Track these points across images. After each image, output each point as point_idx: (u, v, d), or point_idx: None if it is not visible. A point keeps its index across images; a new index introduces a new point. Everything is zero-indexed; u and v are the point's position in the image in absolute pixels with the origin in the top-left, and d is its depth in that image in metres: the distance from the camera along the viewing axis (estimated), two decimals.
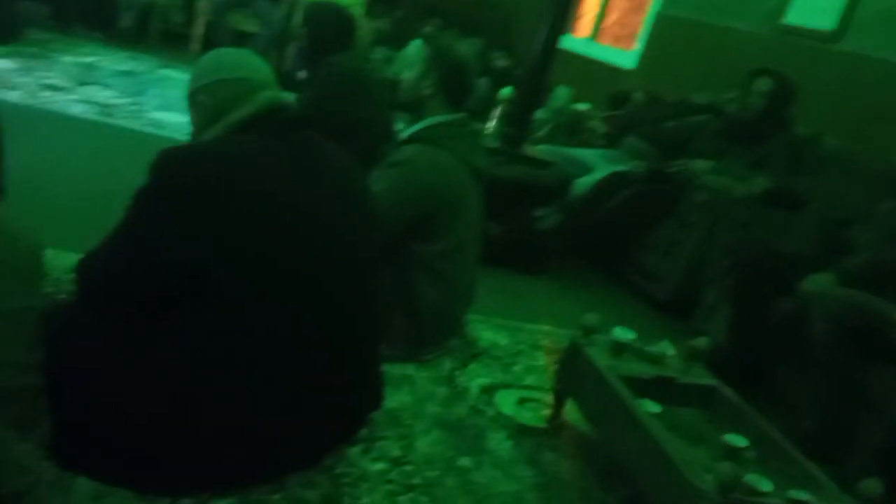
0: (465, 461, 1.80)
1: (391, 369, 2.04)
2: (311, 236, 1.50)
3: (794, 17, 3.92)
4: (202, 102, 1.59)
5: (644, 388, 1.84)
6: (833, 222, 2.71)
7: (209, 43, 5.44)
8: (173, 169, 1.41)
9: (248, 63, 1.61)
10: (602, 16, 5.97)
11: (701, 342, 2.01)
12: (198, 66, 1.64)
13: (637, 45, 5.16)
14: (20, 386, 1.28)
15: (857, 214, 2.62)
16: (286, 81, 5.22)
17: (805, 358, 2.27)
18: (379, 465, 1.68)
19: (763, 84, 3.25)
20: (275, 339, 1.45)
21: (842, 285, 2.34)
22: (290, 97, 1.61)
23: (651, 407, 1.76)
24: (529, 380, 2.31)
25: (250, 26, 5.67)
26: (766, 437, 1.77)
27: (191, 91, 1.62)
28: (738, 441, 1.70)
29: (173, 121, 3.89)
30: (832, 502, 1.54)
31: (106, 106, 3.87)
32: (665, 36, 4.89)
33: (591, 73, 5.47)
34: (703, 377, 1.99)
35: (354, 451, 1.70)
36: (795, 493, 1.50)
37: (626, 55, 5.31)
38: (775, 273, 2.53)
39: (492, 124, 3.48)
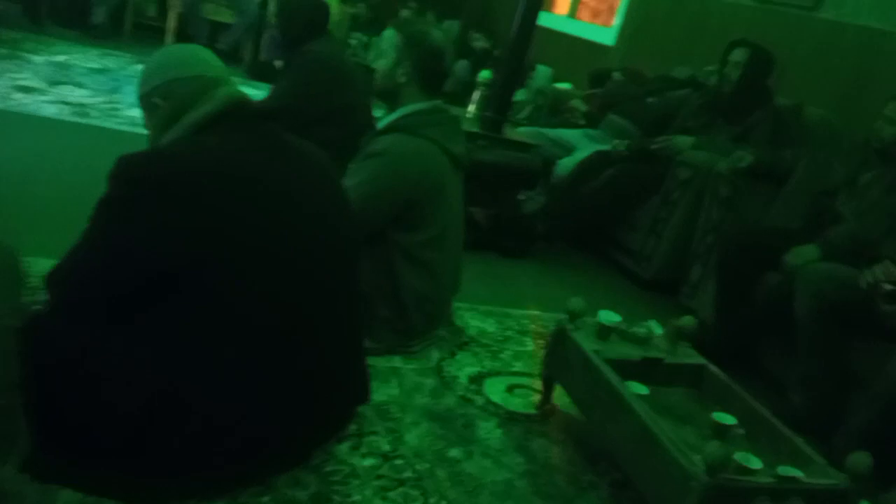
0: (455, 452, 1.79)
1: (378, 362, 2.03)
2: (287, 227, 1.47)
3: None
4: (155, 105, 1.53)
5: (631, 370, 1.84)
6: (817, 194, 2.70)
7: (184, 36, 5.37)
8: (132, 175, 1.37)
9: (201, 59, 1.55)
10: None
11: (687, 321, 2.01)
12: (149, 66, 1.57)
13: (616, 21, 5.11)
14: (2, 405, 1.26)
15: (841, 185, 2.61)
16: (262, 71, 5.20)
17: (791, 333, 2.26)
18: (369, 461, 1.67)
19: (738, 55, 3.23)
20: (256, 334, 1.42)
21: (826, 257, 2.34)
22: (255, 88, 1.57)
23: (639, 389, 1.76)
24: (518, 366, 2.30)
25: (225, 16, 5.59)
26: (755, 415, 1.78)
27: (142, 94, 1.56)
28: (727, 419, 1.71)
29: None
30: (821, 477, 1.54)
31: (80, 105, 3.81)
32: (644, 10, 4.84)
33: (570, 50, 5.43)
34: (690, 356, 1.99)
35: (343, 447, 1.69)
36: (784, 470, 1.51)
37: (605, 31, 5.26)
38: (760, 247, 2.53)
39: (472, 108, 3.44)
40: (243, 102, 1.52)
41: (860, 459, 1.51)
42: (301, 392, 1.51)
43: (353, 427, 1.76)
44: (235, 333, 1.40)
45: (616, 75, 4.30)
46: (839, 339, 2.18)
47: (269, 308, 1.44)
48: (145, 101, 1.56)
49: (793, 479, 1.50)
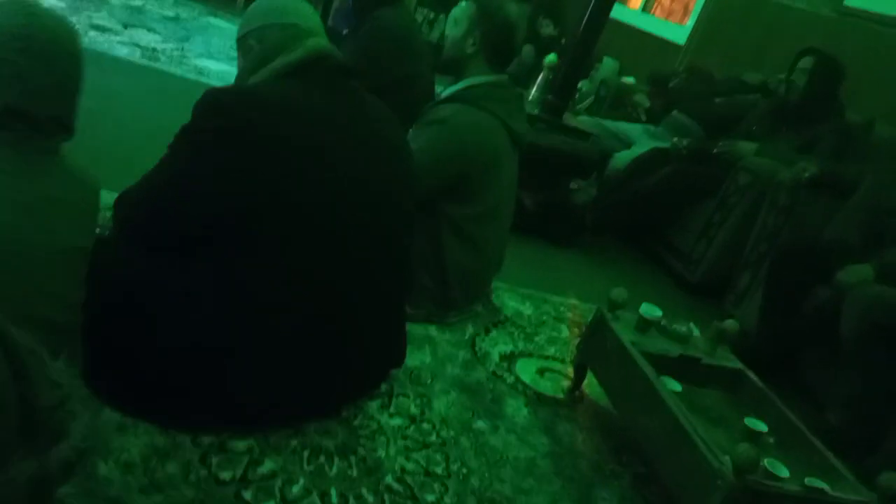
0: (481, 424, 1.81)
1: (414, 329, 2.04)
2: (349, 187, 1.50)
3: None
4: (250, 46, 1.59)
5: (667, 366, 1.83)
6: (879, 213, 2.61)
7: None
8: (217, 109, 1.41)
9: (299, 10, 1.60)
10: None
11: (730, 325, 1.98)
12: (249, 11, 1.64)
13: (689, 20, 5.01)
14: (66, 321, 1.32)
15: None
16: (330, 37, 5.22)
17: (835, 350, 2.22)
18: (396, 421, 1.70)
19: (806, 62, 3.15)
20: (305, 285, 1.46)
21: (879, 279, 2.27)
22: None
23: (673, 385, 1.75)
24: (551, 351, 2.30)
25: None
26: (788, 425, 1.75)
27: (240, 35, 1.63)
28: (759, 426, 1.69)
29: (216, 69, 3.90)
30: (849, 493, 1.51)
31: (152, 50, 3.90)
32: (719, 11, 4.73)
33: (640, 45, 5.34)
34: (728, 360, 1.97)
35: (373, 405, 1.72)
36: (812, 481, 1.48)
37: (677, 29, 5.16)
38: (814, 260, 2.47)
39: (534, 91, 3.42)
40: (330, 55, 1.55)
41: (892, 479, 1.48)
42: (339, 348, 1.55)
43: (384, 387, 1.78)
44: (284, 284, 1.43)
45: (677, 79, 4.22)
46: (884, 361, 2.13)
47: (319, 264, 1.47)
48: (241, 41, 1.62)
49: (819, 491, 1.48)
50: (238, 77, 1.62)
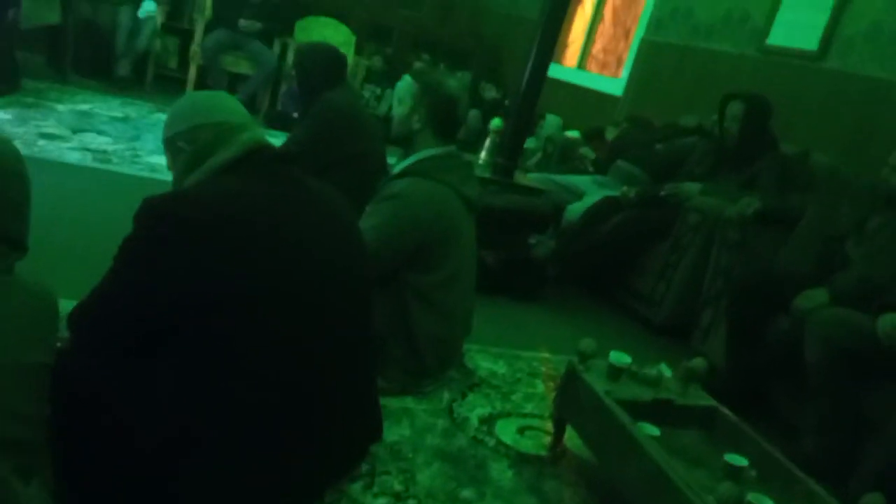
0: (467, 493, 1.79)
1: (390, 402, 2.04)
2: (304, 269, 1.51)
3: (778, 37, 3.99)
4: (180, 148, 1.58)
5: (643, 411, 1.85)
6: (826, 238, 2.72)
7: (203, 86, 5.53)
8: (157, 216, 1.41)
9: (225, 106, 1.61)
10: (588, 44, 6.06)
11: (697, 363, 2.02)
12: (174, 112, 1.63)
13: (623, 72, 5.23)
14: (33, 440, 1.29)
15: (850, 229, 2.64)
16: (279, 120, 5.33)
17: (802, 377, 2.27)
18: (381, 501, 1.68)
19: (735, 108, 3.32)
20: (271, 375, 1.45)
21: (835, 301, 2.35)
22: (270, 136, 1.62)
23: (650, 430, 1.76)
24: (529, 408, 2.31)
25: (244, 68, 5.76)
26: (767, 457, 1.77)
27: (167, 137, 1.61)
28: (739, 461, 1.70)
29: None
30: None
31: (102, 152, 3.92)
32: (651, 61, 4.96)
33: (580, 100, 5.55)
34: (701, 398, 2.00)
35: (356, 487, 1.70)
36: None
37: (612, 82, 5.38)
38: (770, 291, 2.55)
39: (483, 155, 3.52)
40: (264, 147, 1.57)
41: (874, 500, 1.50)
42: (315, 432, 1.53)
43: (365, 467, 1.77)
44: (251, 375, 1.42)
45: (611, 130, 4.38)
46: (850, 383, 2.18)
47: (283, 350, 1.46)
48: (170, 144, 1.61)
49: None
50: (175, 180, 1.61)
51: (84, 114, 4.60)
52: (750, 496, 1.51)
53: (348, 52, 6.07)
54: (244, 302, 1.42)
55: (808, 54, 3.77)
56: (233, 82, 5.77)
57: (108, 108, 4.89)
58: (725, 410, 1.95)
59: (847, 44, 3.58)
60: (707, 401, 1.99)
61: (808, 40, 3.77)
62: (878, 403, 2.17)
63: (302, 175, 1.62)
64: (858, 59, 3.52)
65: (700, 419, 1.95)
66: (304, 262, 1.52)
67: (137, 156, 4.02)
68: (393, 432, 1.94)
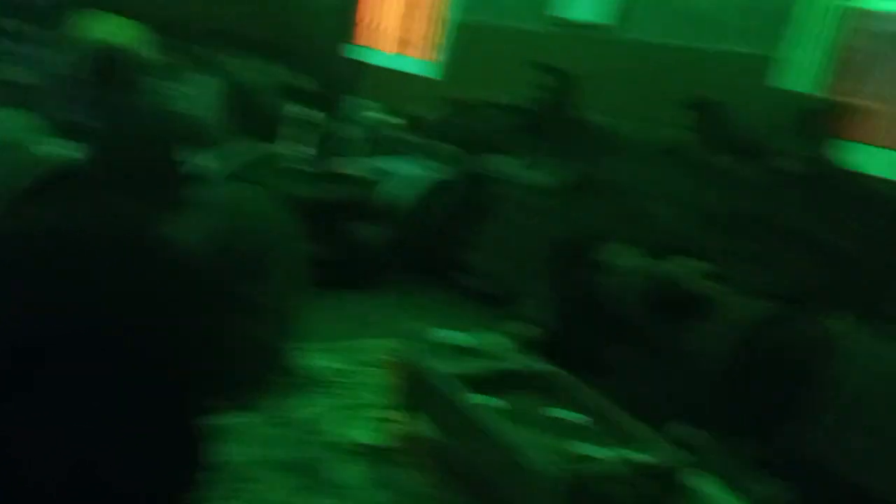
0: (323, 502, 1.73)
1: (223, 420, 1.92)
2: (109, 293, 1.38)
3: (576, 13, 4.23)
4: None
5: (484, 384, 1.88)
6: (634, 199, 2.91)
7: None
8: None
9: None
10: (404, 28, 6.07)
11: (531, 330, 2.09)
12: None
13: (440, 55, 5.30)
14: None
15: (654, 190, 2.84)
16: (74, 130, 4.87)
17: (624, 328, 2.42)
18: None
19: (544, 82, 3.46)
20: (98, 399, 1.32)
21: (637, 253, 2.54)
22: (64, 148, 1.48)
23: (492, 401, 1.79)
24: (373, 400, 2.27)
25: (24, 76, 5.19)
26: (604, 410, 1.86)
27: None
28: (577, 418, 1.78)
29: None
30: (657, 455, 1.64)
31: None
32: (464, 43, 5.07)
33: (400, 84, 5.55)
34: (538, 364, 2.06)
35: None
36: (626, 453, 1.59)
37: (430, 65, 5.44)
38: (588, 253, 2.69)
39: (303, 148, 3.42)
40: (59, 164, 1.43)
41: (677, 429, 1.64)
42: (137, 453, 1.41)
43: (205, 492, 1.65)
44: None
45: (429, 113, 4.44)
46: (665, 326, 2.36)
47: (97, 378, 1.33)
48: None
49: (636, 463, 1.59)
50: None
51: None
52: (584, 448, 1.58)
53: (144, 49, 5.65)
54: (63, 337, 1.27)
55: (605, 27, 4.03)
56: (12, 92, 5.19)
57: None
58: (562, 373, 2.02)
59: (637, 16, 3.85)
60: (544, 366, 2.06)
61: (605, 14, 4.03)
62: (685, 340, 2.35)
63: (102, 192, 1.48)
64: (650, 29, 3.79)
65: (540, 384, 2.01)
66: (110, 284, 1.38)
67: None
68: (233, 451, 1.82)
